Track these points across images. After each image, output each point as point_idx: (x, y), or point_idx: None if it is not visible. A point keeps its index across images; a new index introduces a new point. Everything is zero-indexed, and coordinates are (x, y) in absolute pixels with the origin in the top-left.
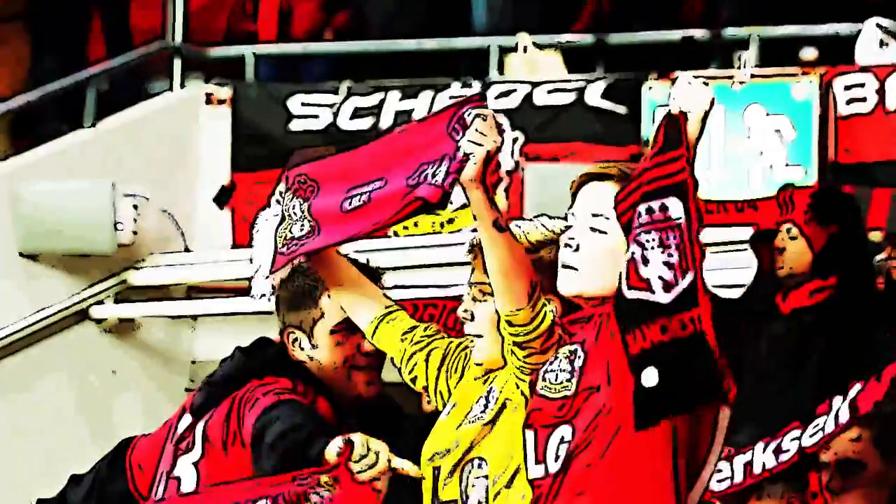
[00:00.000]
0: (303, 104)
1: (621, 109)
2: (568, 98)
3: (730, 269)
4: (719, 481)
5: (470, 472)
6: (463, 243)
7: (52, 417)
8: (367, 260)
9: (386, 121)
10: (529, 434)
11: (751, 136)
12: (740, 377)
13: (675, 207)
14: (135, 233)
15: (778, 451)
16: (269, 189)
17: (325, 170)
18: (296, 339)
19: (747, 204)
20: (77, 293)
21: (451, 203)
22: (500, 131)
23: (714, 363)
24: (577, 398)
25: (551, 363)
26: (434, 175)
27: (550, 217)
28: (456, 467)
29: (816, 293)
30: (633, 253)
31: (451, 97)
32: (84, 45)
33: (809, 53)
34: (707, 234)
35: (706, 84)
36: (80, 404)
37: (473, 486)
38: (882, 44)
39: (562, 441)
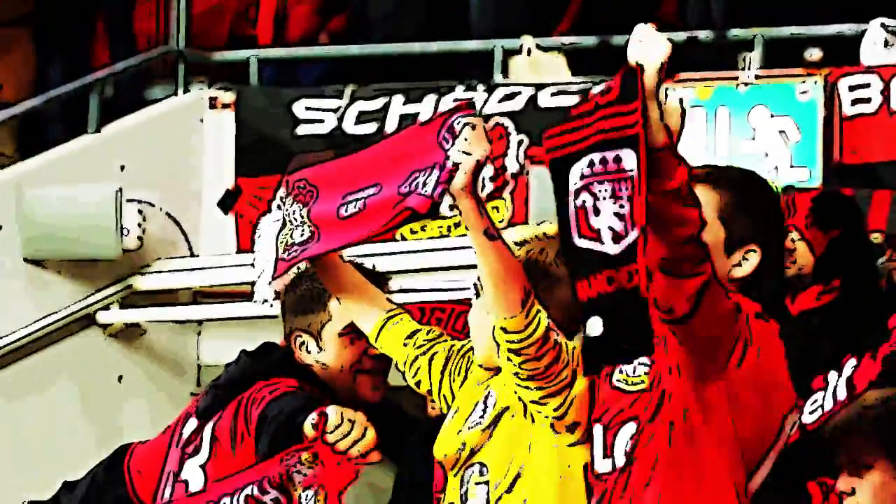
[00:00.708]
0: (307, 108)
1: None
2: (573, 100)
3: None
4: None
5: (470, 477)
6: (471, 247)
7: (57, 422)
8: (374, 266)
9: (391, 125)
10: (598, 429)
11: (755, 137)
12: None
13: (629, 159)
14: (140, 238)
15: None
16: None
17: (324, 174)
18: (303, 343)
19: None
20: (83, 298)
21: (438, 215)
22: (490, 140)
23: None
24: (652, 392)
25: None
26: (424, 184)
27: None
28: (459, 471)
29: (824, 294)
30: (583, 201)
31: (454, 100)
32: (88, 50)
33: (814, 54)
34: None
35: (665, 38)
36: (86, 409)
37: (474, 492)
38: (887, 44)
39: (631, 436)
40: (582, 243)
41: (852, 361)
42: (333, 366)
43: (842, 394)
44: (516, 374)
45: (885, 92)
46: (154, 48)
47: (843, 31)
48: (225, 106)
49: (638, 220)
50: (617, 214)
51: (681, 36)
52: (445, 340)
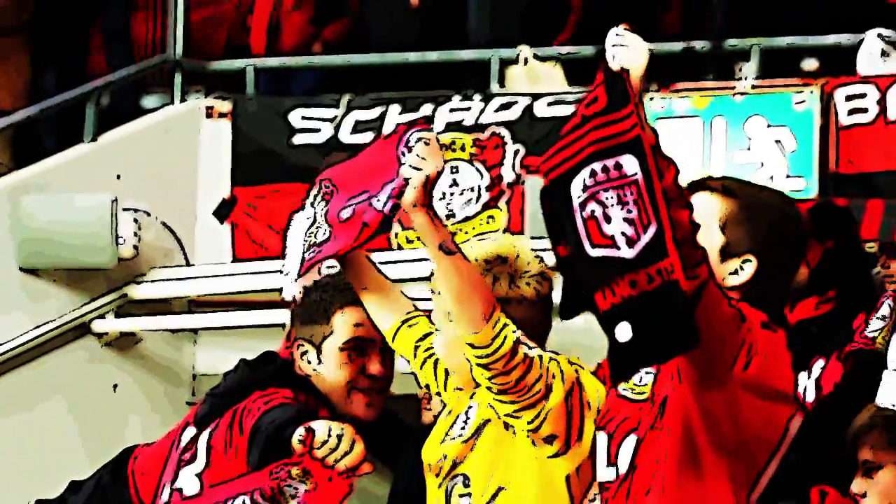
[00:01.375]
0: (303, 118)
1: None
2: (569, 110)
3: None
4: None
5: (453, 488)
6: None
7: (53, 431)
8: None
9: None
10: (602, 436)
11: (752, 147)
12: None
13: (630, 164)
14: (136, 247)
15: None
16: (270, 203)
17: (341, 175)
18: (305, 352)
19: None
20: (78, 307)
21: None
22: (443, 156)
23: (687, 309)
24: (654, 400)
25: None
26: (377, 199)
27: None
28: (443, 482)
29: (822, 304)
30: (592, 211)
31: (451, 109)
32: (85, 58)
33: (810, 64)
34: None
35: (641, 39)
36: (82, 418)
37: None
38: (883, 54)
39: (635, 444)
40: (597, 253)
41: (820, 362)
42: (330, 379)
43: (811, 395)
44: (489, 388)
45: (882, 102)
46: (151, 57)
47: (839, 42)
48: (221, 115)
49: (653, 217)
50: (626, 220)
51: (678, 46)
52: None
